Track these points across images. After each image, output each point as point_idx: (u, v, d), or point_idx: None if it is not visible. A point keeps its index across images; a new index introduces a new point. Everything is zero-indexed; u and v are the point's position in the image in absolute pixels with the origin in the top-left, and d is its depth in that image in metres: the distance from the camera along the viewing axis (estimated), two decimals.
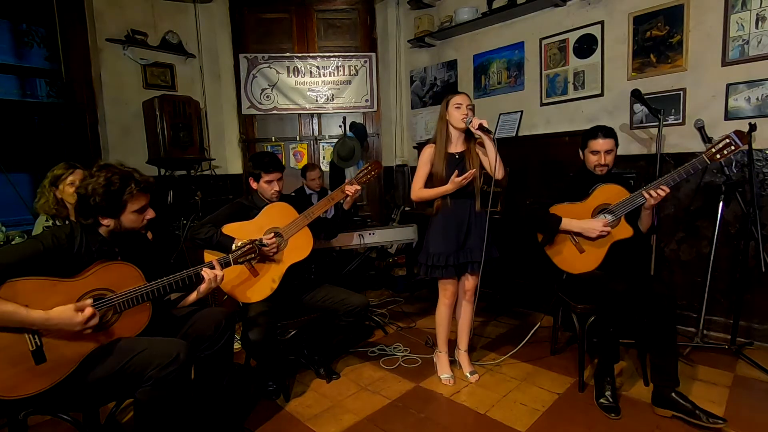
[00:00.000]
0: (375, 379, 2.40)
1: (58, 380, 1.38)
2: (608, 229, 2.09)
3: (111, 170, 1.54)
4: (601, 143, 2.15)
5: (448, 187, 2.14)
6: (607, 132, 2.17)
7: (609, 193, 2.14)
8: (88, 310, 1.38)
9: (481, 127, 2.07)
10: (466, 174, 2.09)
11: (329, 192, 3.91)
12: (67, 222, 2.14)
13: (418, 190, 2.25)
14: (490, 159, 2.13)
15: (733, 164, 2.53)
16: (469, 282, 2.31)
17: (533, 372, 2.42)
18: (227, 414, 1.87)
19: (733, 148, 1.94)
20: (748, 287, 2.60)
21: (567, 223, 2.15)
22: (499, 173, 2.13)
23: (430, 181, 2.24)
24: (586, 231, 2.12)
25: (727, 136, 1.94)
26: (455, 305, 2.39)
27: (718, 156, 1.97)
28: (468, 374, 2.35)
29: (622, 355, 2.47)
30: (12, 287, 1.34)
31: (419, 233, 3.30)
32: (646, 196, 2.02)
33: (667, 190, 2.00)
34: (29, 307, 1.33)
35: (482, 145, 2.18)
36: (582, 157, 2.27)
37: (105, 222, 1.55)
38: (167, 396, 1.45)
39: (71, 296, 1.43)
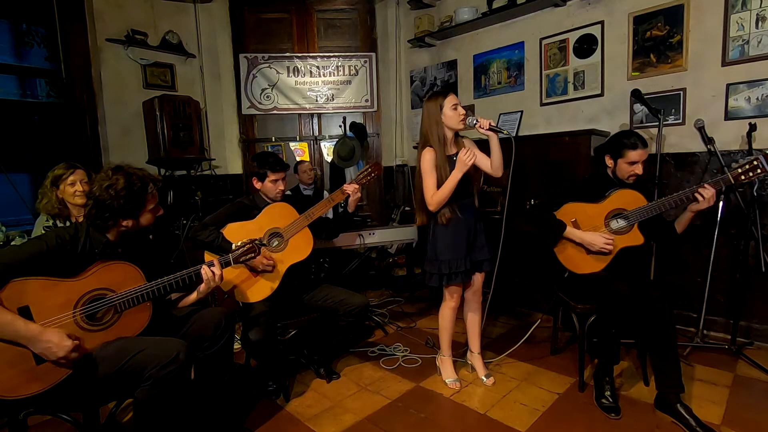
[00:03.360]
0: (375, 379, 2.40)
1: (59, 380, 1.38)
2: (609, 248, 2.08)
3: (128, 172, 1.56)
4: (641, 153, 2.08)
5: (456, 171, 2.05)
6: (644, 141, 2.11)
7: (626, 198, 2.11)
8: (77, 341, 1.38)
9: (491, 127, 2.04)
10: (468, 153, 2.03)
11: (324, 190, 3.92)
12: (68, 223, 2.14)
13: (433, 196, 2.12)
14: (496, 159, 2.10)
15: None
16: (477, 282, 2.29)
17: (533, 372, 2.42)
18: (227, 414, 1.87)
19: (759, 171, 1.89)
20: (748, 287, 2.60)
21: (570, 232, 2.14)
22: (499, 172, 2.12)
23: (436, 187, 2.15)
24: (587, 244, 2.12)
25: (756, 159, 1.89)
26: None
27: (743, 177, 1.92)
28: (484, 378, 2.30)
29: (622, 355, 2.46)
30: (15, 287, 1.35)
31: (419, 233, 3.30)
32: (699, 197, 1.97)
33: (714, 190, 1.95)
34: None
35: (478, 145, 2.15)
36: (610, 163, 2.19)
37: (125, 223, 1.56)
38: (167, 395, 1.45)
39: (72, 296, 1.44)
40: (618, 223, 2.13)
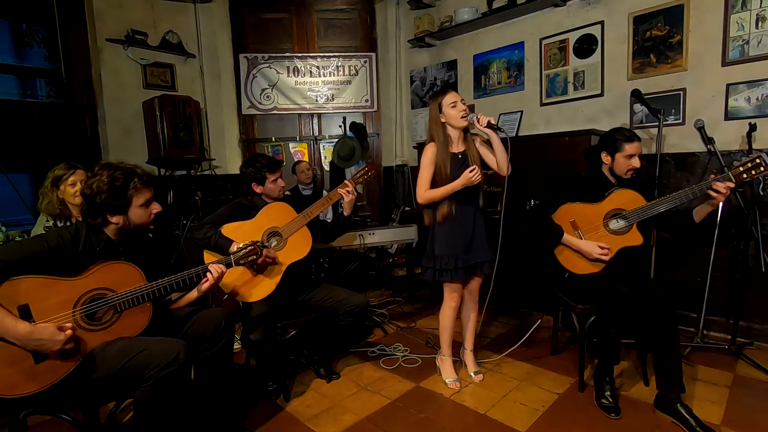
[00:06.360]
0: (375, 379, 2.40)
1: (58, 379, 1.38)
2: (605, 258, 2.08)
3: (112, 167, 1.56)
4: (637, 146, 2.09)
5: (458, 183, 2.05)
6: (637, 135, 2.13)
7: (625, 198, 2.11)
8: (69, 332, 1.36)
9: (489, 125, 2.03)
10: (473, 167, 2.02)
11: (323, 190, 3.92)
12: (68, 223, 2.14)
13: (425, 192, 2.14)
14: (499, 157, 2.09)
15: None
16: (475, 283, 2.29)
17: (533, 372, 2.42)
18: (227, 414, 1.87)
19: (762, 169, 1.83)
20: (748, 287, 2.60)
21: (567, 239, 2.14)
22: (504, 170, 2.10)
23: (434, 184, 2.15)
24: (584, 252, 2.12)
25: (758, 156, 1.84)
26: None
27: (745, 176, 1.87)
28: (472, 374, 2.34)
29: (622, 355, 2.46)
30: (13, 285, 1.35)
31: (419, 233, 3.30)
32: (713, 194, 1.91)
33: (732, 185, 1.89)
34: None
35: (488, 143, 2.13)
36: (607, 160, 2.18)
37: (114, 219, 1.56)
38: (166, 396, 1.45)
39: (72, 295, 1.44)
40: (617, 224, 2.12)
